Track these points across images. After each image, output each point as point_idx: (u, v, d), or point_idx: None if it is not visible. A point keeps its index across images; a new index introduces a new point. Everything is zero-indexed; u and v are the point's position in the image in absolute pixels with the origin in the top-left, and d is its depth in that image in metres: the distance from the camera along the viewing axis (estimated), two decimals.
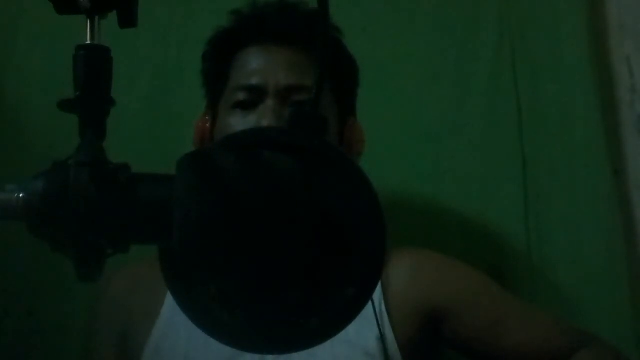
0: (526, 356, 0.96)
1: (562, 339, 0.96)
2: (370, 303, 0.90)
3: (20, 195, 0.46)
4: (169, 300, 0.98)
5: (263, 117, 0.95)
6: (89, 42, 0.49)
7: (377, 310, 0.95)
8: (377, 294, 0.97)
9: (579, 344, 0.95)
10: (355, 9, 1.29)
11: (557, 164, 1.23)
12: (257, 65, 1.00)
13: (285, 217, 0.47)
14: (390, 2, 1.32)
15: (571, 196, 1.21)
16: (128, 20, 0.51)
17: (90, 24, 0.49)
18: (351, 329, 0.49)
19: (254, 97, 0.98)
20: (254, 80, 0.99)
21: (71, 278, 0.47)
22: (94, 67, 0.49)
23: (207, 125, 1.03)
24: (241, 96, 0.99)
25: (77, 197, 0.45)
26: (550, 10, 1.28)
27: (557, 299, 1.19)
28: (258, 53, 1.01)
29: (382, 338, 0.94)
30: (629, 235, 1.21)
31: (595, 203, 1.20)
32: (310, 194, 0.47)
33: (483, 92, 1.27)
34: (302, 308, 0.48)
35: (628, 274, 1.17)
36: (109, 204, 0.46)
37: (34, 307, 1.19)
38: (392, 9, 1.32)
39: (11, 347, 1.18)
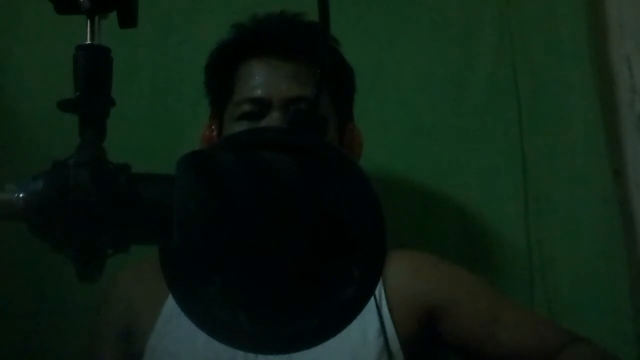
0: (519, 354, 0.97)
1: (553, 338, 0.98)
2: (371, 301, 0.91)
3: (20, 195, 0.46)
4: (172, 298, 0.98)
5: None
6: (89, 42, 0.49)
7: (379, 307, 0.97)
8: (379, 292, 0.99)
9: (569, 342, 0.97)
10: (355, 9, 1.29)
11: (557, 164, 1.23)
12: (260, 78, 1.03)
13: (285, 217, 0.47)
14: (391, 2, 1.33)
15: (571, 196, 1.21)
16: (128, 20, 0.51)
17: (90, 24, 0.49)
18: (353, 326, 0.49)
19: (259, 109, 1.02)
20: (258, 93, 1.02)
21: (71, 278, 0.47)
22: (94, 67, 0.49)
23: (214, 134, 1.06)
24: (246, 108, 1.02)
25: (77, 197, 0.45)
26: (550, 10, 1.28)
27: (557, 299, 1.18)
28: (260, 66, 1.04)
29: (384, 335, 0.95)
30: (629, 235, 1.21)
31: (595, 203, 1.20)
32: (310, 194, 0.47)
33: (483, 92, 1.27)
34: (302, 307, 0.48)
35: (628, 274, 1.17)
36: (109, 204, 0.45)
37: (34, 307, 1.19)
38: (393, 9, 1.32)
39: (12, 347, 1.18)
